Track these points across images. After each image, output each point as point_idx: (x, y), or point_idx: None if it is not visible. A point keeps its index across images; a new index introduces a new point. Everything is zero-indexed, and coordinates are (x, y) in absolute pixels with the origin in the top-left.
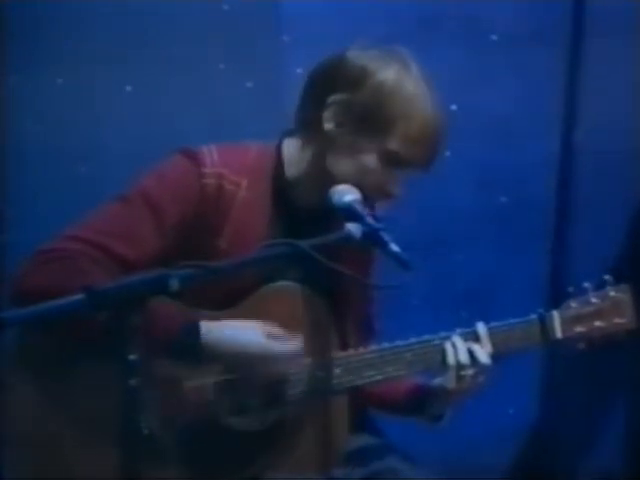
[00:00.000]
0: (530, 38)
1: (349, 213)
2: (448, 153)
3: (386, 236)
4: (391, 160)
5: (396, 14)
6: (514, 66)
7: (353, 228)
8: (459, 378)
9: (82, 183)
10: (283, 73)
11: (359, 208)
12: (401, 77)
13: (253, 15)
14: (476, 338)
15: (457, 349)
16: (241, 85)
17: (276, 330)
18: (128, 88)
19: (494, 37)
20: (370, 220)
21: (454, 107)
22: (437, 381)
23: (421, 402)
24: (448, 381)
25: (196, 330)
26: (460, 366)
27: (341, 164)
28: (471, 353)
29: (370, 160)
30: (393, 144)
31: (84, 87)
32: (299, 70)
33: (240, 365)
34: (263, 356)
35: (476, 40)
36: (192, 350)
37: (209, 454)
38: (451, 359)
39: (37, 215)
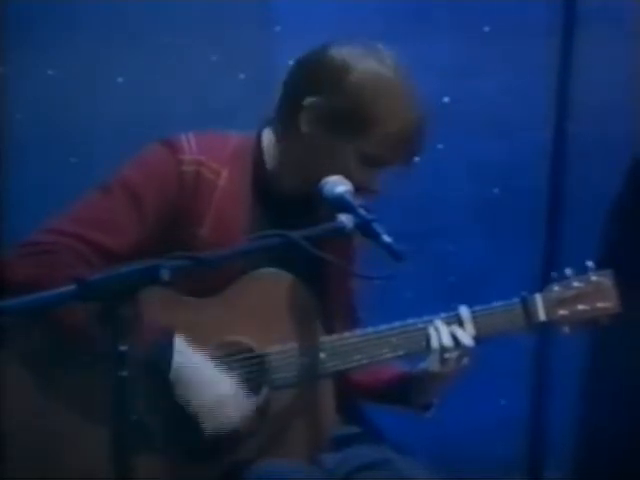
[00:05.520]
0: (522, 29)
1: (341, 204)
2: (441, 145)
3: (378, 227)
4: (370, 161)
5: (388, 5)
6: (507, 58)
7: (345, 219)
8: (443, 361)
9: (73, 174)
10: (275, 64)
11: (351, 199)
12: (378, 77)
13: (245, 6)
14: (459, 321)
15: (440, 332)
16: (233, 77)
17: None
18: (120, 80)
19: (486, 29)
20: (362, 211)
21: (447, 99)
22: (421, 366)
23: (406, 389)
24: (432, 364)
25: (167, 363)
26: (443, 349)
27: (319, 165)
28: (454, 336)
29: (348, 162)
30: (371, 147)
31: (75, 78)
32: (291, 62)
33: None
34: (216, 412)
35: (468, 32)
36: (159, 376)
37: (195, 439)
38: (434, 342)
39: (27, 206)
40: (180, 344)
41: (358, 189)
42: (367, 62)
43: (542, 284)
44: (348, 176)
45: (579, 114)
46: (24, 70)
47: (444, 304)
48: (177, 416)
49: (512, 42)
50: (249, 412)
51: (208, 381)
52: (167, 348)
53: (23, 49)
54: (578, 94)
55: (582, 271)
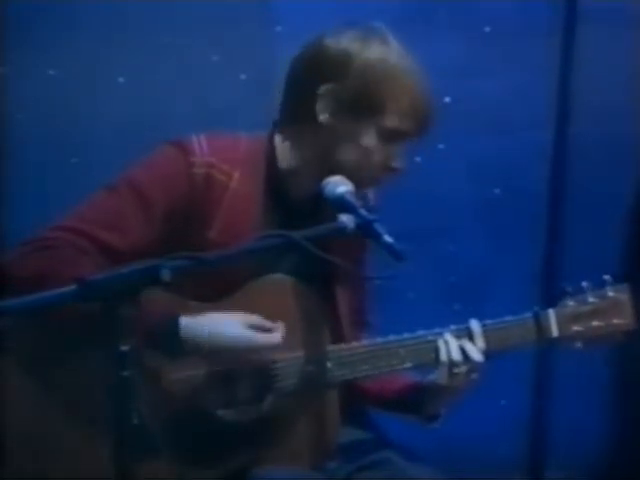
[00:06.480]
0: (523, 29)
1: (342, 205)
2: (442, 145)
3: (380, 227)
4: (390, 136)
5: (389, 5)
6: (507, 58)
7: (346, 219)
8: (452, 375)
9: (73, 174)
10: (277, 65)
11: (352, 199)
12: (383, 54)
13: (245, 6)
14: (469, 335)
15: (449, 346)
16: (234, 77)
17: (258, 320)
18: (121, 80)
19: (487, 29)
20: (363, 212)
21: (448, 99)
22: (430, 378)
23: (416, 400)
24: (440, 377)
25: (175, 325)
26: (452, 363)
27: (343, 150)
28: (464, 350)
29: (370, 140)
30: (389, 120)
31: (75, 78)
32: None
33: (220, 358)
34: (242, 348)
35: (469, 32)
36: (172, 345)
37: (199, 445)
38: (443, 356)
39: (28, 206)
40: (185, 319)
41: (383, 169)
42: (368, 40)
43: (544, 285)
44: (372, 156)
45: (580, 114)
46: (24, 70)
47: (445, 304)
48: (180, 420)
49: (513, 42)
50: (275, 341)
51: (222, 320)
52: (173, 319)
53: (23, 49)
54: (579, 94)
55: (596, 281)
